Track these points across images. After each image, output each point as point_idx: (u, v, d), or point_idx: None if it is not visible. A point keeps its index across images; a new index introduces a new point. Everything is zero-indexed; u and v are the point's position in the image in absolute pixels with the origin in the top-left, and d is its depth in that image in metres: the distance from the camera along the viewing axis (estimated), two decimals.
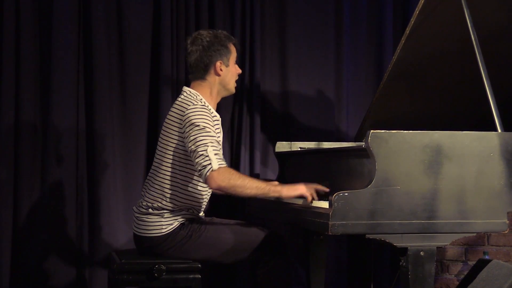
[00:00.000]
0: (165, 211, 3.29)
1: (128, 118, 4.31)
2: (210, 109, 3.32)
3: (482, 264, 3.66)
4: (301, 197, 3.25)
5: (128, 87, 4.31)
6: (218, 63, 3.37)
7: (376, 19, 4.83)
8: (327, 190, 3.24)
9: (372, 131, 2.75)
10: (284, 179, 3.85)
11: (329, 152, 3.60)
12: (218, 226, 3.36)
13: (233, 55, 3.44)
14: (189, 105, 3.27)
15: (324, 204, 2.90)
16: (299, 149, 4.00)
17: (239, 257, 3.34)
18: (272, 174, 4.48)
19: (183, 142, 3.25)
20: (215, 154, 3.15)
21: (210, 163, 3.12)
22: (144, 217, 3.31)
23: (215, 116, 3.36)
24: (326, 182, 3.35)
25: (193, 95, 3.35)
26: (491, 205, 2.81)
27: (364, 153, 2.83)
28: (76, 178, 4.17)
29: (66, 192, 4.17)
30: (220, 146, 3.28)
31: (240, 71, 3.51)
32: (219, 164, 3.14)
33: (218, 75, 3.39)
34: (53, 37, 4.15)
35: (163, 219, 3.28)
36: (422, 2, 3.16)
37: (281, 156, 4.04)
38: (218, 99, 3.46)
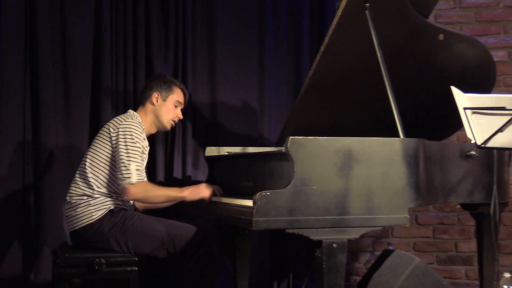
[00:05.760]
0: (90, 198, 3.26)
1: (71, 126, 4.23)
2: (144, 130, 3.35)
3: (386, 254, 3.70)
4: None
5: (71, 98, 4.24)
6: (155, 94, 3.49)
7: (295, 38, 4.88)
8: (221, 192, 3.44)
9: (291, 137, 2.76)
10: (213, 181, 3.83)
11: (253, 156, 3.60)
12: (150, 218, 3.36)
13: (174, 96, 3.55)
14: (128, 119, 3.36)
15: (249, 202, 2.89)
16: (226, 153, 3.99)
17: (169, 250, 3.31)
18: (202, 176, 4.46)
19: (111, 143, 3.31)
20: (137, 170, 3.23)
21: (130, 177, 3.20)
22: (72, 212, 3.29)
23: (146, 141, 3.41)
24: (250, 182, 3.35)
25: (133, 116, 3.45)
26: (395, 202, 2.84)
27: (284, 157, 2.83)
28: (23, 183, 4.08)
29: (14, 197, 4.06)
30: (143, 167, 3.33)
31: (180, 116, 3.61)
32: (137, 179, 3.21)
33: (153, 104, 3.50)
34: (2, 52, 4.03)
35: (91, 207, 3.26)
36: (335, 23, 3.18)
37: (210, 159, 4.02)
38: (153, 129, 3.55)
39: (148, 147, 3.46)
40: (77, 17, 4.24)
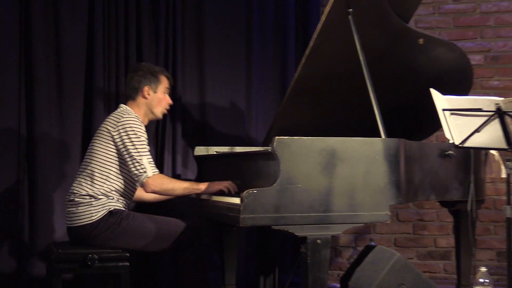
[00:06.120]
0: (93, 199, 3.24)
1: (64, 125, 4.20)
2: (141, 122, 3.35)
3: (368, 249, 3.71)
4: (219, 192, 3.31)
5: (64, 98, 4.21)
6: (146, 88, 3.45)
7: (281, 40, 4.90)
8: (235, 188, 3.33)
9: (277, 137, 2.77)
10: (201, 179, 3.83)
11: (240, 155, 3.61)
12: (144, 217, 3.35)
13: (163, 85, 3.52)
14: (124, 115, 3.33)
15: (236, 200, 2.90)
16: (215, 153, 4.00)
17: (162, 246, 3.32)
18: (191, 175, 4.46)
19: (114, 142, 3.27)
20: (149, 163, 3.23)
21: (145, 171, 3.19)
22: (74, 209, 3.27)
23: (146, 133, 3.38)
24: (238, 181, 3.36)
25: (128, 110, 3.41)
26: (376, 200, 2.85)
27: (270, 156, 2.84)
28: (17, 179, 4.04)
29: (8, 193, 4.03)
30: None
31: (170, 102, 3.58)
32: (153, 172, 3.21)
33: (145, 98, 3.46)
34: None
35: (92, 208, 3.24)
36: (320, 27, 3.20)
37: (199, 159, 4.03)
38: (146, 121, 3.50)
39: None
40: (70, 20, 4.22)
